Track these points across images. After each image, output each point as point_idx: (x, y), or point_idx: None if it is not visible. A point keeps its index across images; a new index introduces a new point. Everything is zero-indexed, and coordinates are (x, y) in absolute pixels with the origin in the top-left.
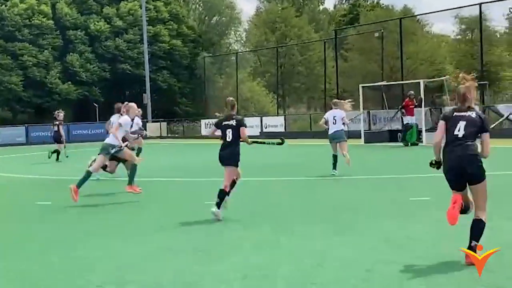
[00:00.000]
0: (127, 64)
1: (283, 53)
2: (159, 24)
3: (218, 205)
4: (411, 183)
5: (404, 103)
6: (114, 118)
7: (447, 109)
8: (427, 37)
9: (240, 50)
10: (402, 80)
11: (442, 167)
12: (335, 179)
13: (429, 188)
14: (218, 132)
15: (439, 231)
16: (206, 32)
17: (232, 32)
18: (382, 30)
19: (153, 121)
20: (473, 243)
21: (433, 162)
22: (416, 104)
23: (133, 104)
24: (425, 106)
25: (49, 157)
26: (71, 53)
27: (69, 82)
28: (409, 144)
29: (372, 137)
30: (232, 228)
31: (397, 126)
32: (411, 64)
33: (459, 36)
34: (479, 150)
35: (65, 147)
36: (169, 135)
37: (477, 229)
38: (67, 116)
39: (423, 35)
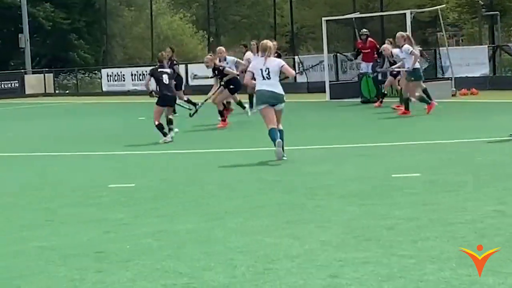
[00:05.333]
0: None
1: None
2: None
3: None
4: (394, 154)
5: (357, 46)
6: None
7: (443, 49)
8: None
9: None
10: (381, 11)
11: None
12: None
13: (417, 161)
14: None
15: (426, 218)
16: None
17: None
18: None
19: (34, 72)
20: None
21: None
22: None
23: None
24: (414, 45)
25: None
26: None
27: None
28: (369, 100)
29: (341, 91)
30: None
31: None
32: None
33: None
34: None
35: None
36: (57, 91)
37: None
38: None
39: None
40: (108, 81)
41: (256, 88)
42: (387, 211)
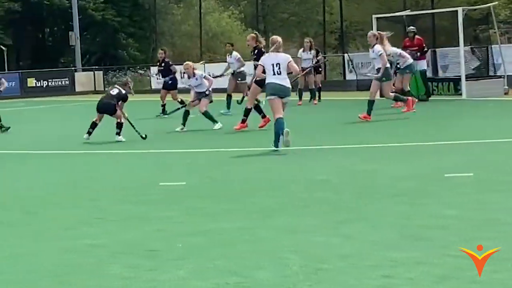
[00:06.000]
0: None
1: None
2: None
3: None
4: (446, 153)
5: (404, 44)
6: None
7: (495, 47)
8: None
9: None
10: (432, 8)
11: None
12: (323, 148)
13: (470, 160)
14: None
15: (480, 218)
16: None
17: None
18: None
19: (84, 70)
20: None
21: None
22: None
23: None
24: (465, 44)
25: None
26: None
27: None
28: (418, 98)
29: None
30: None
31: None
32: None
33: None
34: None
35: None
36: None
37: None
38: None
39: None
40: (157, 78)
41: (267, 81)
42: (440, 210)
